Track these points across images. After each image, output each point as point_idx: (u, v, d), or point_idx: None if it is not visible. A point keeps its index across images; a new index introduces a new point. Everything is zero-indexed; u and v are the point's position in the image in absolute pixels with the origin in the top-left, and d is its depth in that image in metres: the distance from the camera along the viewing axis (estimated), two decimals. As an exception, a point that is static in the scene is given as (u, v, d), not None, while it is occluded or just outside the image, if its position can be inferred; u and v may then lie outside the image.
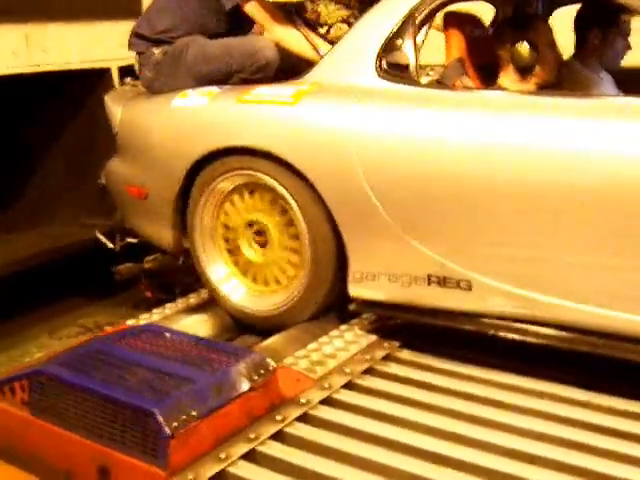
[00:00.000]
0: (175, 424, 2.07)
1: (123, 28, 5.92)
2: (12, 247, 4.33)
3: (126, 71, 4.67)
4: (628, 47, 3.24)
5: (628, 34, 3.23)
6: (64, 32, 5.44)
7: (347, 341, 2.81)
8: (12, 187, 4.66)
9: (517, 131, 2.46)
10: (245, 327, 3.15)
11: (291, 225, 2.93)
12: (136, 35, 3.42)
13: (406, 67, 2.75)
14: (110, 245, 4.13)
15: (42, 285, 4.29)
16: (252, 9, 3.16)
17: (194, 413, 2.12)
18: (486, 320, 2.61)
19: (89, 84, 4.99)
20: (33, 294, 4.30)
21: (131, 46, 3.47)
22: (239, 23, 3.26)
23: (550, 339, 2.49)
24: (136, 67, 3.54)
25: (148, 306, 3.63)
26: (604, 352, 2.39)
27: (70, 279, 4.45)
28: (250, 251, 3.09)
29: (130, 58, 5.49)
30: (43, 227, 4.63)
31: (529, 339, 2.53)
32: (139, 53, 3.42)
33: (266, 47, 3.13)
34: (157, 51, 3.28)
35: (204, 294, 3.45)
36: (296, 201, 2.85)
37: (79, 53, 5.49)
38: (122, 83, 4.01)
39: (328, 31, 3.35)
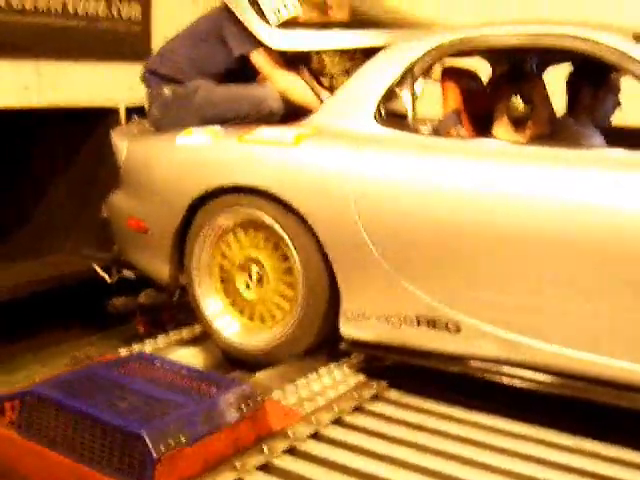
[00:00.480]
0: (162, 448, 2.11)
1: (132, 70, 6.08)
2: (11, 275, 4.38)
3: (133, 111, 4.80)
4: (618, 104, 3.38)
5: (618, 91, 3.37)
6: (75, 70, 5.58)
7: (336, 379, 2.86)
8: (17, 217, 4.74)
9: (508, 179, 2.55)
10: (236, 362, 3.18)
11: (286, 264, 2.99)
12: (149, 71, 3.53)
13: (404, 115, 2.86)
14: (106, 278, 4.18)
15: (36, 314, 4.33)
16: (258, 57, 3.26)
17: (182, 439, 2.16)
18: (473, 363, 2.66)
19: (96, 121, 5.10)
20: (27, 322, 4.34)
21: (144, 80, 3.58)
22: (248, 66, 3.36)
23: (536, 383, 2.54)
24: (145, 103, 3.62)
25: (140, 340, 3.67)
26: (589, 397, 2.45)
27: (65, 309, 4.49)
28: (245, 287, 3.15)
29: (137, 99, 5.64)
30: (44, 257, 4.69)
31: (515, 382, 2.58)
32: (149, 88, 3.52)
33: (271, 97, 3.22)
34: (167, 90, 3.38)
35: (197, 329, 3.50)
36: (292, 240, 2.92)
37: (88, 92, 5.62)
38: (131, 120, 4.11)
39: (331, 81, 3.44)
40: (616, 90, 3.34)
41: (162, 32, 6.19)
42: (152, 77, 3.50)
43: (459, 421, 2.57)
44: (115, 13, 5.82)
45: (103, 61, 5.77)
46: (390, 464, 2.30)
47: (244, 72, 3.34)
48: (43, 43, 5.32)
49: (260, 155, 3.01)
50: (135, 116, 4.12)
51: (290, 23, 3.18)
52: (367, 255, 2.76)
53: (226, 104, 3.27)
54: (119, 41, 5.89)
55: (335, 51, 3.33)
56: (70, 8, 5.45)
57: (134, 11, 6.02)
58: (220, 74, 3.36)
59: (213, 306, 3.21)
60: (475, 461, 2.31)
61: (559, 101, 3.34)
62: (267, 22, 3.16)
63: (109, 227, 3.84)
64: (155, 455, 2.09)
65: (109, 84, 5.85)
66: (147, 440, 2.10)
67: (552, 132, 3.03)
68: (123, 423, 2.17)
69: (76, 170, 4.99)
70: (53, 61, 5.45)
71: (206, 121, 3.27)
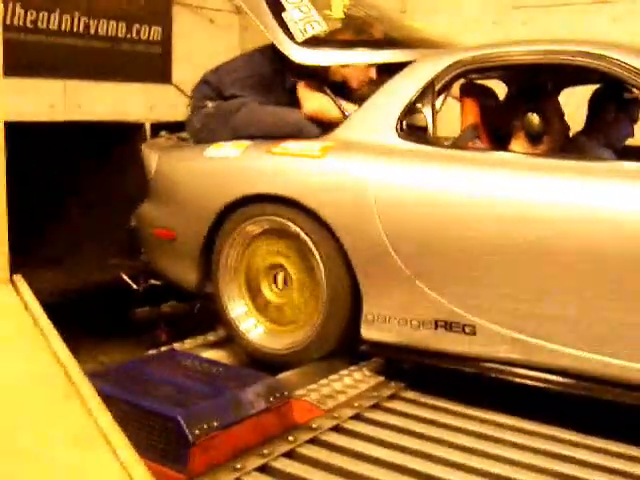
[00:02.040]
0: (197, 432, 2.25)
1: (152, 91, 6.28)
2: (39, 283, 4.53)
3: (156, 127, 4.97)
4: (632, 134, 3.49)
5: (636, 121, 3.48)
6: (99, 90, 5.76)
7: (356, 379, 2.98)
8: (46, 228, 4.91)
9: (524, 189, 2.70)
10: (260, 364, 3.31)
11: (310, 269, 3.14)
12: (202, 82, 3.68)
13: (424, 129, 3.02)
14: (134, 286, 4.32)
15: (62, 320, 4.46)
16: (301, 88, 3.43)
17: (215, 423, 2.30)
18: (488, 364, 2.79)
19: (122, 137, 5.29)
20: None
21: (193, 91, 3.72)
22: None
23: (547, 383, 2.67)
24: (187, 111, 3.78)
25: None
26: (598, 396, 2.58)
27: (90, 317, 4.62)
28: (269, 292, 3.30)
29: (158, 117, 5.81)
30: (71, 266, 4.85)
31: (528, 382, 2.71)
32: (194, 99, 3.68)
33: (310, 124, 3.34)
34: (210, 104, 3.54)
35: (222, 333, 3.64)
36: (317, 246, 3.07)
37: (111, 111, 5.81)
38: (158, 135, 4.27)
39: (353, 96, 3.59)
40: (635, 119, 3.45)
41: (182, 53, 6.41)
42: (201, 89, 3.65)
43: (472, 418, 2.69)
44: (135, 35, 6.00)
45: (125, 82, 5.96)
46: (405, 454, 2.42)
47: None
48: (68, 63, 5.51)
49: (287, 166, 3.17)
50: (163, 131, 4.27)
51: (315, 39, 3.33)
52: (389, 261, 2.90)
53: (266, 127, 3.40)
54: (140, 62, 6.07)
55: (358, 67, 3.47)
56: (92, 29, 5.64)
57: (155, 33, 6.20)
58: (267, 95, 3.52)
59: (238, 309, 3.35)
60: (487, 453, 2.43)
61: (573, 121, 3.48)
62: (292, 38, 3.30)
63: (137, 237, 4.00)
64: (190, 438, 2.22)
65: (131, 104, 6.03)
66: (182, 423, 2.23)
67: (565, 148, 3.18)
68: (160, 408, 2.31)
69: (103, 182, 5.16)
70: (78, 81, 5.64)
71: (243, 138, 3.40)
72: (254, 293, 3.34)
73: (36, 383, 1.73)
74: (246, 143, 3.37)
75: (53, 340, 1.87)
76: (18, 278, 2.11)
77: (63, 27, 5.47)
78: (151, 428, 2.31)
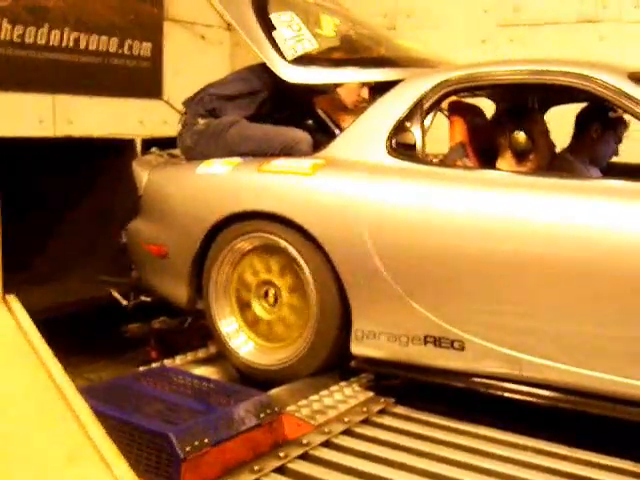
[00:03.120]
0: (188, 448, 2.27)
1: (143, 107, 6.31)
2: (30, 300, 4.53)
3: (147, 143, 5.00)
4: (616, 152, 3.54)
5: (620, 140, 3.52)
6: (89, 105, 5.78)
7: (346, 395, 3.00)
8: (36, 244, 4.92)
9: (511, 207, 2.74)
10: (250, 381, 3.32)
11: (300, 286, 3.16)
12: (193, 99, 3.71)
13: (413, 147, 3.06)
14: (124, 302, 4.33)
15: (52, 337, 4.46)
16: None
17: (206, 440, 2.32)
18: (477, 379, 2.82)
19: (112, 153, 5.31)
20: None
21: (185, 107, 3.76)
22: (285, 110, 3.58)
23: (536, 397, 2.70)
24: (178, 127, 3.80)
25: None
26: (586, 410, 2.61)
27: (80, 333, 4.63)
28: (260, 308, 3.32)
29: (148, 133, 5.84)
30: (62, 283, 4.86)
31: (517, 397, 2.74)
32: (186, 115, 3.71)
33: (303, 141, 3.40)
34: (202, 121, 3.57)
35: (212, 349, 3.66)
36: (307, 263, 3.09)
37: (101, 127, 5.83)
38: (149, 152, 4.29)
39: (345, 114, 3.64)
40: (619, 138, 3.49)
41: (173, 69, 6.44)
42: (193, 107, 3.68)
43: (461, 432, 2.72)
44: (126, 50, 6.03)
45: (115, 96, 5.98)
46: (395, 468, 2.45)
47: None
48: (57, 78, 5.52)
49: (278, 183, 3.20)
50: (154, 148, 4.29)
51: (306, 57, 3.37)
52: (378, 278, 2.93)
53: (258, 144, 3.43)
54: (130, 77, 6.09)
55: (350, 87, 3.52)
56: (82, 44, 5.66)
57: (145, 49, 6.23)
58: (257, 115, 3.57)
59: (229, 326, 3.37)
60: (475, 466, 2.46)
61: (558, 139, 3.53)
62: (283, 56, 3.34)
63: (127, 253, 4.02)
64: (181, 455, 2.24)
65: (121, 119, 6.05)
66: (174, 440, 2.25)
67: (551, 166, 3.23)
68: (151, 425, 2.33)
69: (93, 198, 5.18)
70: (68, 96, 5.65)
71: (234, 156, 3.44)
72: (245, 309, 3.36)
73: (31, 401, 1.75)
74: (237, 160, 3.40)
75: (47, 359, 1.89)
76: (11, 298, 2.13)
77: (52, 42, 5.49)
78: (142, 445, 2.33)
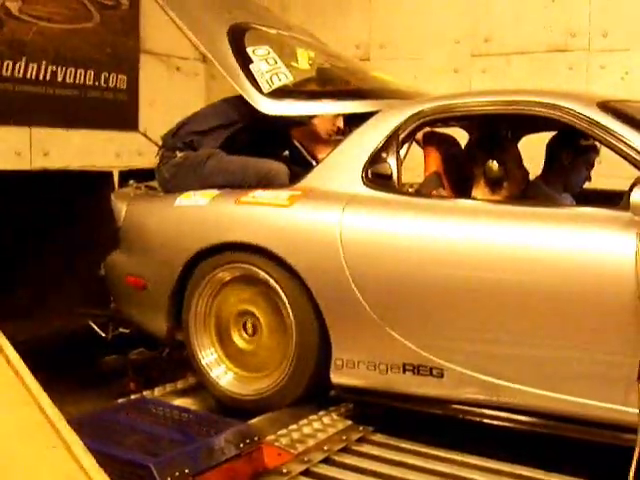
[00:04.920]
0: (169, 479, 2.27)
1: (119, 138, 6.33)
2: (7, 333, 4.51)
3: (126, 175, 5.01)
4: (588, 178, 3.58)
5: (592, 167, 3.57)
6: (65, 138, 5.79)
7: (325, 424, 3.01)
8: (14, 277, 4.90)
9: (485, 235, 2.79)
10: (229, 412, 3.32)
11: (279, 316, 3.18)
12: (172, 133, 3.75)
13: (389, 177, 3.10)
14: (102, 334, 4.32)
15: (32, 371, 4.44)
16: None
17: (187, 470, 2.32)
18: (456, 406, 2.85)
19: (89, 185, 5.31)
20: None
21: (162, 140, 3.80)
22: (262, 142, 3.62)
23: (514, 423, 2.74)
24: (156, 160, 3.83)
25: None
26: (564, 434, 2.65)
27: (57, 366, 4.60)
28: (239, 339, 3.33)
29: (124, 165, 5.86)
30: (39, 315, 4.84)
31: (495, 423, 2.77)
32: (163, 149, 3.74)
33: (280, 172, 3.44)
34: (179, 154, 3.60)
35: (191, 380, 3.66)
36: (285, 293, 3.12)
37: (78, 158, 5.84)
38: (127, 184, 4.31)
39: (321, 146, 3.69)
40: (591, 164, 3.54)
41: (149, 101, 6.47)
42: (170, 140, 3.72)
43: (439, 458, 2.74)
44: (103, 83, 6.06)
45: (91, 129, 6.00)
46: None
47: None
48: (34, 111, 5.54)
49: (256, 215, 3.23)
50: (131, 180, 4.31)
51: (282, 90, 3.42)
52: (356, 307, 2.96)
53: (235, 175, 3.47)
54: (107, 110, 6.12)
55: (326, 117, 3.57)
56: (59, 77, 5.69)
57: (121, 81, 6.26)
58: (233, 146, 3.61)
59: (209, 357, 3.38)
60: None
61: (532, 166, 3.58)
62: (260, 89, 3.38)
63: (106, 285, 4.02)
64: (162, 486, 2.25)
65: (98, 151, 6.07)
66: (154, 472, 2.25)
67: (525, 194, 3.28)
68: (132, 456, 2.34)
69: (70, 230, 5.17)
70: (44, 128, 5.66)
71: (212, 187, 3.47)
72: (224, 340, 3.37)
73: (23, 433, 1.77)
74: (215, 192, 3.43)
75: (37, 393, 1.90)
76: (-1, 334, 2.14)
77: (29, 75, 5.51)
78: (123, 477, 2.32)
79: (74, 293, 4.94)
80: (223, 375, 3.35)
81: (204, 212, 3.38)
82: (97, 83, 6.01)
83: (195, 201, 3.44)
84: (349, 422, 3.05)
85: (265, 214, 3.21)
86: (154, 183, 3.97)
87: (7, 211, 4.82)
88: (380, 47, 6.12)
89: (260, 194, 3.29)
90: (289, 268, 3.09)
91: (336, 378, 3.07)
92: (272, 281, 3.15)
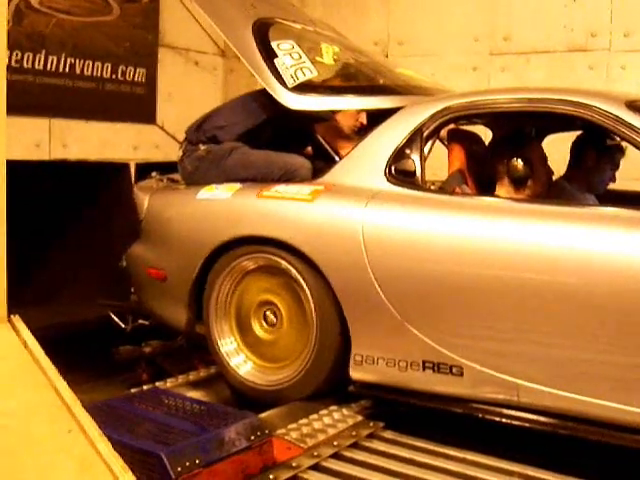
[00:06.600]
0: (179, 469, 2.29)
1: (137, 131, 6.35)
2: (26, 319, 4.52)
3: (142, 168, 5.02)
4: (613, 179, 3.56)
5: (617, 167, 3.55)
6: (84, 130, 5.82)
7: (335, 419, 3.02)
8: (34, 266, 4.91)
9: (508, 233, 2.78)
10: (242, 402, 3.31)
11: (301, 307, 3.18)
12: (196, 126, 3.74)
13: (413, 173, 3.09)
14: (122, 325, 4.33)
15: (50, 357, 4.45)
16: None
17: (197, 461, 2.34)
18: (475, 405, 2.84)
19: (106, 178, 5.32)
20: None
21: (187, 133, 3.78)
22: (285, 137, 3.62)
23: (533, 423, 2.73)
24: (178, 153, 3.83)
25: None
26: (583, 436, 2.63)
27: (73, 355, 4.62)
28: (259, 329, 3.34)
29: (141, 158, 5.86)
30: (59, 304, 4.84)
31: (514, 423, 2.76)
32: (187, 142, 3.74)
33: (303, 167, 3.44)
34: (202, 147, 3.61)
35: (202, 373, 3.70)
36: (308, 285, 3.11)
37: (96, 150, 5.86)
38: (149, 176, 4.31)
39: (344, 141, 3.68)
40: (616, 165, 3.51)
41: (167, 95, 6.49)
42: (194, 133, 3.71)
43: (449, 457, 2.74)
44: (120, 76, 6.08)
45: (110, 121, 6.03)
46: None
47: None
48: (54, 103, 5.57)
49: (278, 209, 3.23)
50: (154, 172, 4.31)
51: (306, 85, 3.40)
52: (377, 303, 2.96)
53: (258, 169, 3.48)
54: (125, 102, 6.14)
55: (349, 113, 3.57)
56: (77, 69, 5.71)
57: (140, 74, 6.28)
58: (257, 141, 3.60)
59: (228, 345, 3.38)
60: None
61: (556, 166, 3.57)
62: (284, 84, 3.37)
63: (127, 277, 4.02)
64: (173, 475, 2.26)
65: (115, 143, 6.10)
66: (165, 461, 2.27)
67: (549, 193, 3.27)
68: (143, 445, 2.35)
69: (88, 222, 5.18)
70: (63, 120, 5.69)
71: (234, 181, 3.47)
72: (244, 329, 3.37)
73: (41, 417, 1.79)
74: (237, 186, 3.43)
75: (53, 377, 1.91)
76: (16, 318, 2.15)
77: (49, 67, 5.54)
78: (134, 465, 2.30)
79: (91, 283, 4.94)
80: (242, 364, 3.36)
81: (226, 205, 3.38)
82: (115, 76, 6.04)
83: (217, 194, 3.44)
84: (360, 418, 3.05)
85: (287, 208, 3.21)
86: (176, 176, 3.98)
87: (26, 201, 4.83)
88: (398, 44, 6.13)
89: (282, 188, 3.29)
90: (311, 263, 3.08)
91: (355, 374, 3.06)
92: (295, 272, 3.15)
